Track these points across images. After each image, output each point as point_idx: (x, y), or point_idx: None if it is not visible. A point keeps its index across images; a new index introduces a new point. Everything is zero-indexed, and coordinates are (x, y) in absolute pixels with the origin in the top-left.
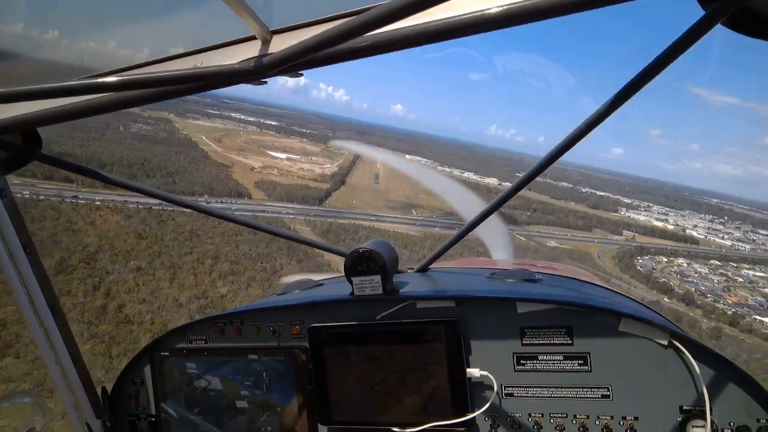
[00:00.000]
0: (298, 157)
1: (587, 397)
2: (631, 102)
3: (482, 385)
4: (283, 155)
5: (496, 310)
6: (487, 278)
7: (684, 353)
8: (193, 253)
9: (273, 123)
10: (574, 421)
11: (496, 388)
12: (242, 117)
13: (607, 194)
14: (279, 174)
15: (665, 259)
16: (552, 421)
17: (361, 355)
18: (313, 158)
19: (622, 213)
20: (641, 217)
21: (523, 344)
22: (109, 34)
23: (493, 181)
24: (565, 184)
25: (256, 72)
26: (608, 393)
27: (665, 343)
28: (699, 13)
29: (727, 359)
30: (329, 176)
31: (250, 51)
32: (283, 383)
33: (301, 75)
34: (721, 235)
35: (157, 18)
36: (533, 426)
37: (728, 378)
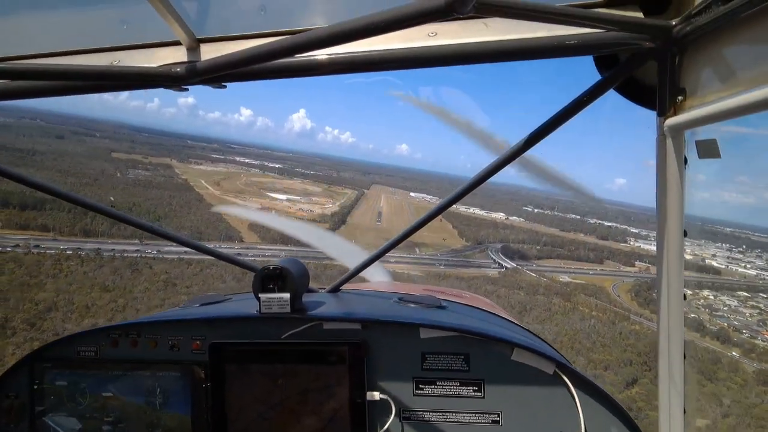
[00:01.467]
0: (299, 197)
1: (478, 422)
2: (541, 146)
3: (381, 408)
4: (283, 196)
5: (400, 334)
6: (394, 302)
7: (567, 383)
8: (164, 305)
9: (276, 165)
10: None
11: (394, 412)
12: (246, 161)
13: (614, 224)
14: (276, 215)
15: (689, 292)
16: None
17: (263, 373)
18: (313, 198)
19: (632, 243)
20: (653, 248)
21: (423, 369)
22: (13, 20)
23: (500, 215)
24: (573, 215)
25: (179, 78)
26: (498, 419)
27: (551, 372)
28: (597, 76)
29: (603, 390)
30: (329, 216)
31: (173, 56)
32: (179, 400)
33: (224, 87)
34: (743, 264)
35: (71, 8)
36: None
37: (603, 408)
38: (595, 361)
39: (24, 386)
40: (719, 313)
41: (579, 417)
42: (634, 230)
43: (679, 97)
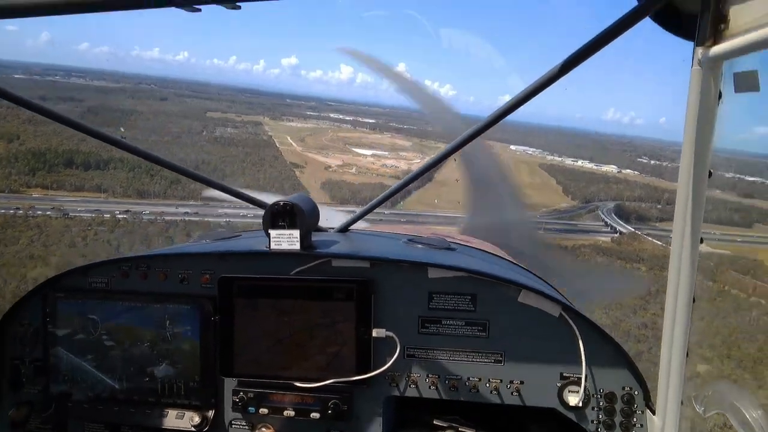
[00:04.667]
0: (386, 153)
1: (481, 362)
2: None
3: (387, 345)
4: (368, 152)
5: (408, 273)
6: (404, 243)
7: (571, 325)
8: None
9: (370, 121)
10: (467, 383)
11: (399, 349)
12: (340, 116)
13: (761, 180)
14: (357, 172)
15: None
16: (447, 382)
17: (271, 308)
18: (401, 153)
19: None
20: None
21: (429, 308)
22: None
23: (611, 168)
24: None
25: None
26: (501, 359)
27: (556, 315)
28: (632, 4)
29: (607, 334)
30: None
31: None
32: (187, 333)
33: (239, 7)
34: None
35: None
36: (429, 386)
37: (605, 350)
38: None
39: (37, 314)
40: None
41: (581, 359)
42: None
43: (721, 25)
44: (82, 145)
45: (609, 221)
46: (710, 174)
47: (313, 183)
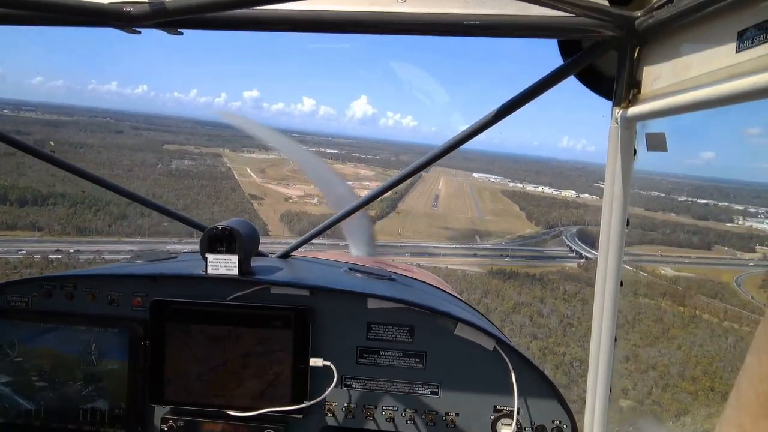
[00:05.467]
0: (349, 182)
1: (418, 393)
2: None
3: (323, 375)
4: None
5: (347, 303)
6: (344, 272)
7: (504, 359)
8: None
9: (333, 151)
10: (403, 414)
11: (336, 379)
12: (303, 148)
13: (711, 202)
14: (318, 203)
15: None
16: (384, 413)
17: (205, 334)
18: (365, 183)
19: (740, 222)
20: None
21: (367, 338)
22: None
23: (570, 193)
24: (656, 193)
25: (131, 18)
26: (437, 390)
27: (490, 348)
28: (560, 61)
29: (538, 368)
30: (378, 201)
31: None
32: (115, 357)
33: (181, 33)
34: None
35: None
36: (366, 417)
37: (537, 384)
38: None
39: None
40: None
41: (513, 393)
42: (738, 207)
43: (634, 90)
44: (22, 180)
45: (574, 246)
46: (628, 222)
47: (272, 214)
